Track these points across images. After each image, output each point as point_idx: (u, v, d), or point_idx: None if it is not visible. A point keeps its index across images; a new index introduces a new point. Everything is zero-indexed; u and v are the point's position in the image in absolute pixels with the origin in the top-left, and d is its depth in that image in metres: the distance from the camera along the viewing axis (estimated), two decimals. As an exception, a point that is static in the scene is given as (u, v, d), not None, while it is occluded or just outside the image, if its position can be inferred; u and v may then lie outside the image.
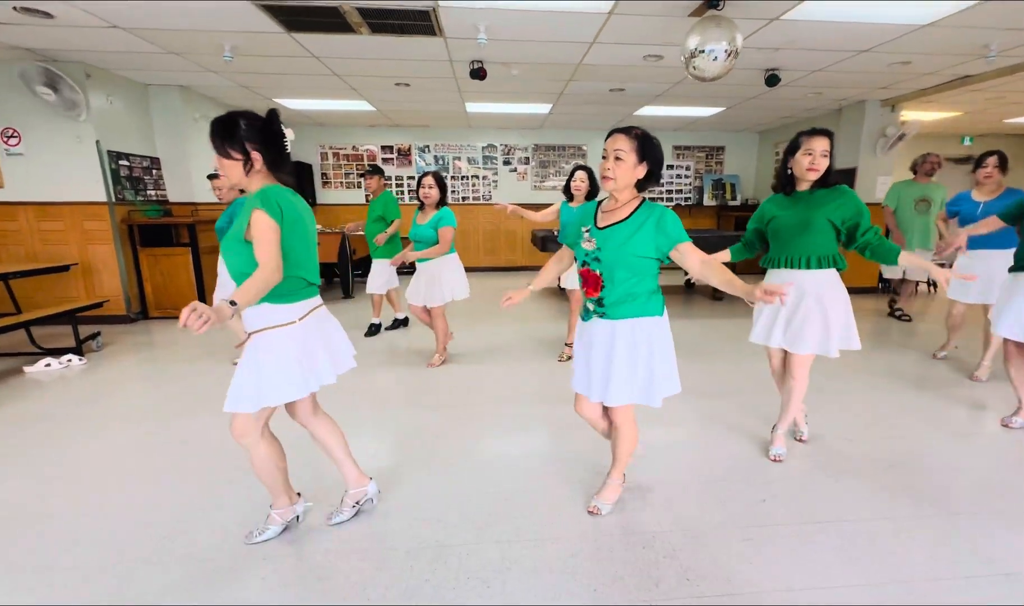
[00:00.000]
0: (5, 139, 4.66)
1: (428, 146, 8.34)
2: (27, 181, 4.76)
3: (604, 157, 1.67)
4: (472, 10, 3.46)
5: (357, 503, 1.95)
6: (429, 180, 3.54)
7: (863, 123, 6.40)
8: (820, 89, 5.72)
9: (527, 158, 8.63)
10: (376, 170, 4.47)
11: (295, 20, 3.59)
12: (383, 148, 8.28)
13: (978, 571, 1.67)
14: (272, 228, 1.50)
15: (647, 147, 1.64)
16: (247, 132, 1.53)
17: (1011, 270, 2.65)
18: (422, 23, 3.65)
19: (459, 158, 8.47)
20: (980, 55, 4.33)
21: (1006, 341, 2.66)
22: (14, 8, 3.34)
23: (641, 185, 1.70)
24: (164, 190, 5.62)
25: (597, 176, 2.33)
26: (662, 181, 8.94)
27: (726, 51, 3.21)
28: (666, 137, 8.79)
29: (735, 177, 8.89)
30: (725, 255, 2.34)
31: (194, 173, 5.78)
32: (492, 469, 2.33)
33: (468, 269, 8.68)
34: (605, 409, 1.93)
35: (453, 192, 8.57)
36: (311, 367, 1.66)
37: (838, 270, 2.20)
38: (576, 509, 2.02)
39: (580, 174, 3.59)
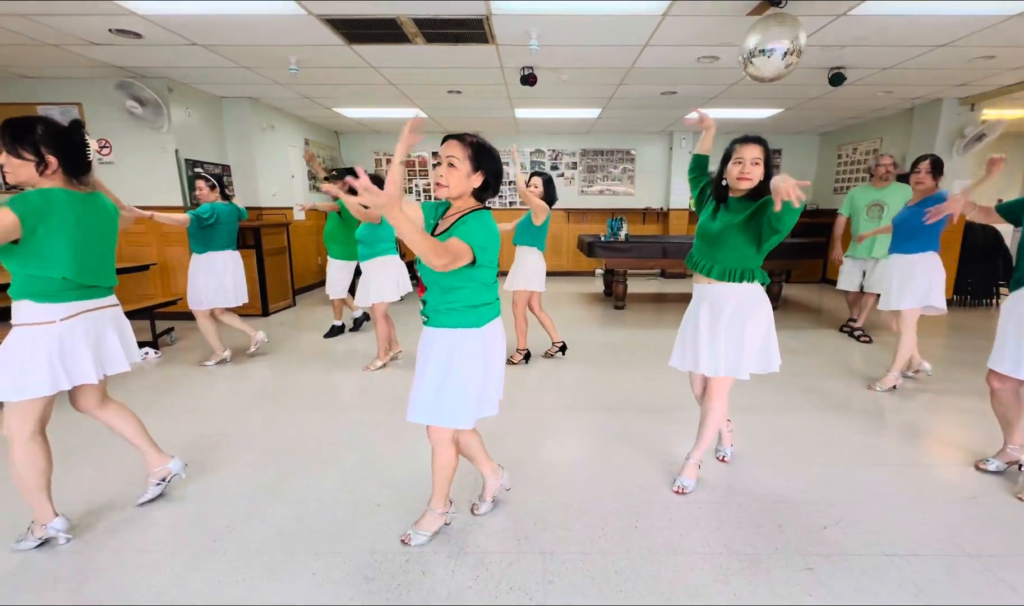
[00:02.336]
0: (99, 149, 5.12)
1: (477, 152, 8.45)
2: (117, 188, 5.13)
3: (437, 164, 1.59)
4: (524, 17, 3.48)
5: (162, 480, 2.09)
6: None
7: (939, 123, 5.93)
8: (890, 87, 5.36)
9: (575, 163, 8.58)
10: (343, 174, 4.66)
11: (355, 32, 3.74)
12: (433, 154, 8.47)
13: (1080, 624, 1.50)
14: (4, 223, 1.56)
15: (482, 156, 1.58)
16: (44, 137, 1.64)
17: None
18: (475, 31, 3.71)
19: (508, 163, 8.53)
20: (1083, 46, 3.92)
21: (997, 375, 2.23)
22: (109, 29, 3.67)
23: (479, 195, 1.63)
24: (233, 196, 5.98)
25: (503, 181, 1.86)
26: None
27: (787, 50, 3.06)
28: (720, 140, 8.34)
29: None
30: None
31: (260, 179, 6.13)
32: (545, 477, 2.32)
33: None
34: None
35: (501, 197, 8.64)
36: (69, 366, 1.74)
37: (761, 283, 2.07)
38: (624, 524, 1.97)
39: (536, 180, 3.64)
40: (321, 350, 4.40)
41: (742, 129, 7.83)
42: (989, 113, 6.20)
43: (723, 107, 6.33)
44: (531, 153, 8.49)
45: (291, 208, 6.76)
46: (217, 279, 3.80)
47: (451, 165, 1.57)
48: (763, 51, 3.11)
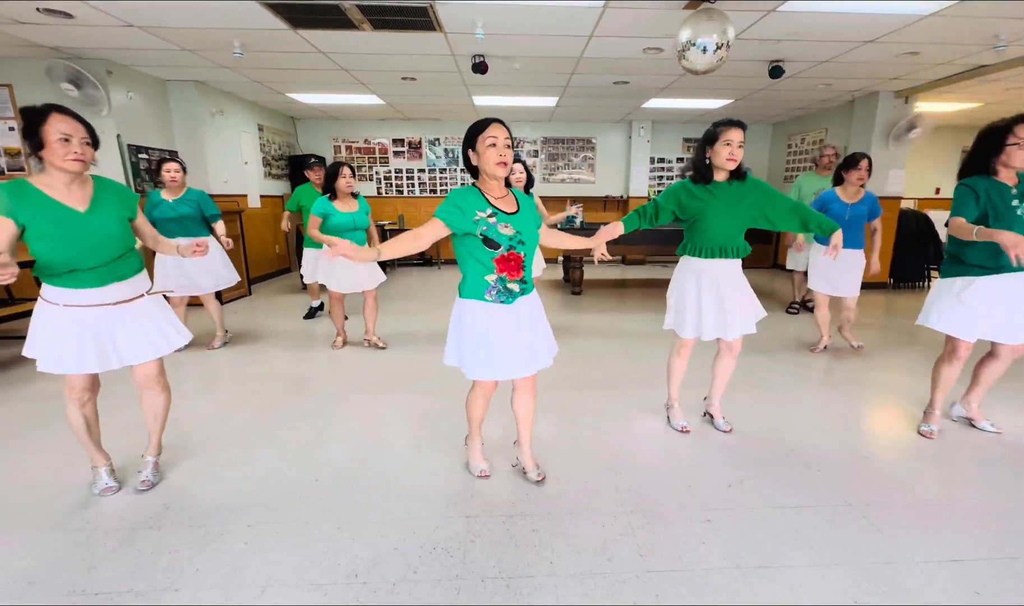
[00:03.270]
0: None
1: (438, 139, 8.45)
2: (54, 173, 5.01)
3: (492, 146, 1.75)
4: (469, 6, 3.53)
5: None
6: (348, 171, 3.71)
7: (876, 115, 6.26)
8: (829, 80, 5.62)
9: (536, 151, 8.67)
10: (321, 162, 4.66)
11: (300, 17, 3.72)
12: (394, 141, 8.42)
13: (933, 555, 1.72)
14: None
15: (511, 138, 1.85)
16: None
17: (952, 274, 2.41)
18: (421, 19, 3.73)
19: (468, 151, 8.55)
20: (990, 45, 4.23)
21: (956, 342, 2.42)
22: (37, 9, 3.54)
23: None
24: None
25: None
26: (673, 174, 8.90)
27: (716, 44, 3.22)
28: (676, 130, 8.73)
29: (747, 169, 8.75)
30: (619, 227, 2.34)
31: (210, 166, 6.00)
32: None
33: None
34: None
35: (464, 184, 8.67)
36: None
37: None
38: (550, 490, 2.11)
39: (517, 166, 3.73)
40: (277, 336, 4.41)
41: (696, 118, 8.16)
42: (923, 105, 6.59)
43: (675, 97, 6.52)
44: (493, 140, 8.53)
45: (245, 195, 6.64)
46: (224, 256, 4.00)
47: (509, 146, 1.78)
48: (694, 45, 3.25)
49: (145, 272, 2.05)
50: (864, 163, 3.56)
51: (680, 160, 8.88)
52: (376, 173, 8.55)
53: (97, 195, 1.89)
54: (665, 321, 2.54)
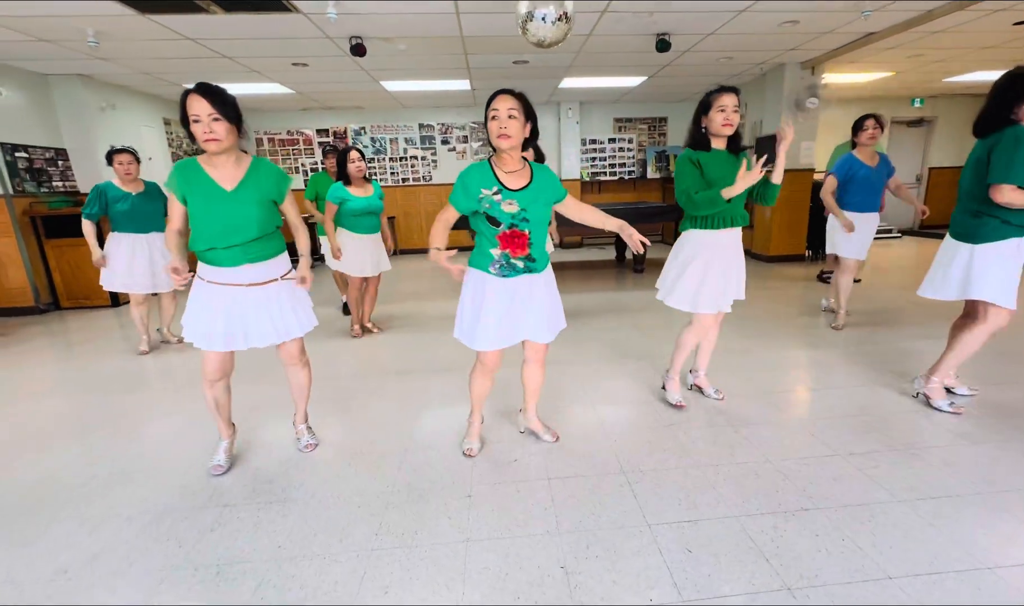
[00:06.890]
0: None
1: (364, 128, 8.29)
2: (-78, 176, 4.80)
3: (494, 118, 1.72)
4: (313, -16, 3.42)
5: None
6: (356, 154, 3.67)
7: (784, 87, 6.28)
8: (728, 54, 5.60)
9: (466, 136, 8.57)
10: (335, 149, 4.54)
11: (141, 3, 3.56)
12: (318, 131, 8.25)
13: (671, 517, 1.72)
14: None
15: (529, 107, 1.77)
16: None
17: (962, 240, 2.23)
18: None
19: (396, 139, 8.42)
20: (857, 11, 4.23)
21: (975, 304, 2.28)
22: None
23: (525, 144, 1.82)
24: (73, 181, 5.65)
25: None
26: (600, 155, 8.86)
27: (556, 15, 3.16)
28: (605, 110, 8.69)
29: (679, 148, 8.78)
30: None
31: (103, 163, 5.78)
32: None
33: (411, 251, 8.71)
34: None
35: (393, 173, 8.56)
36: None
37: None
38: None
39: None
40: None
41: (622, 97, 8.11)
42: (830, 76, 6.63)
43: (586, 76, 6.45)
44: (420, 127, 8.40)
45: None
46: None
47: (512, 117, 1.71)
48: (534, 17, 3.19)
49: (285, 255, 2.06)
50: (869, 122, 3.48)
51: (612, 141, 8.84)
52: (302, 165, 8.37)
53: (248, 176, 1.87)
54: (675, 301, 2.36)
